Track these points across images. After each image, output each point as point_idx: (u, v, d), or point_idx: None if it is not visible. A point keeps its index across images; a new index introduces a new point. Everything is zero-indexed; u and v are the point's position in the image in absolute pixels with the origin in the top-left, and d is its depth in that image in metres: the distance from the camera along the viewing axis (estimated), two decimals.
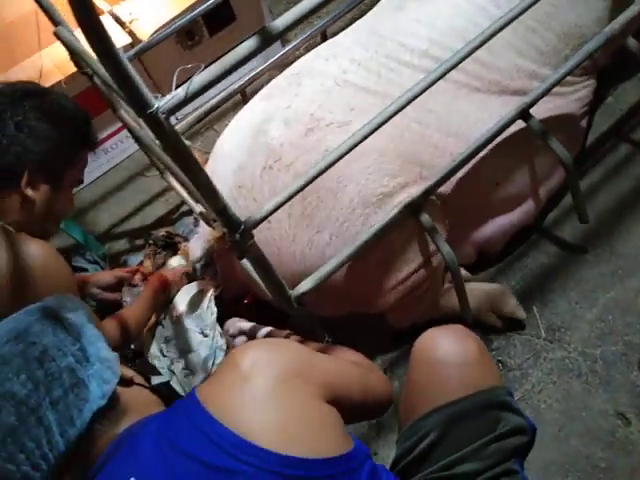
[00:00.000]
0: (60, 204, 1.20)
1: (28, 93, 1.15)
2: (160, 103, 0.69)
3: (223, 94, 1.57)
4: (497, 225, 1.39)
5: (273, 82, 1.36)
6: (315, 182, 1.18)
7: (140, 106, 0.68)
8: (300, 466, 0.66)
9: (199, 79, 0.72)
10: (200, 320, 1.38)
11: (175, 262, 1.59)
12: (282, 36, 0.77)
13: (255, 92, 1.86)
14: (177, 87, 0.71)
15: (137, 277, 1.53)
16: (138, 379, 0.80)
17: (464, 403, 0.82)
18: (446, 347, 0.86)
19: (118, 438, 0.71)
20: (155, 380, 1.33)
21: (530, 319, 1.37)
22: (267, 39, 0.74)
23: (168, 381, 1.31)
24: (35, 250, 1.08)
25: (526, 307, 1.37)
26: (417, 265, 1.26)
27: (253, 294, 1.49)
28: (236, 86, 1.60)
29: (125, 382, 0.76)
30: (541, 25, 1.34)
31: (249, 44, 0.74)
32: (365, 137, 1.00)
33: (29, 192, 1.11)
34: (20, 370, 0.68)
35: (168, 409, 0.76)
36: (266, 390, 0.70)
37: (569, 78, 1.40)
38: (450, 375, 0.84)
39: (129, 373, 0.78)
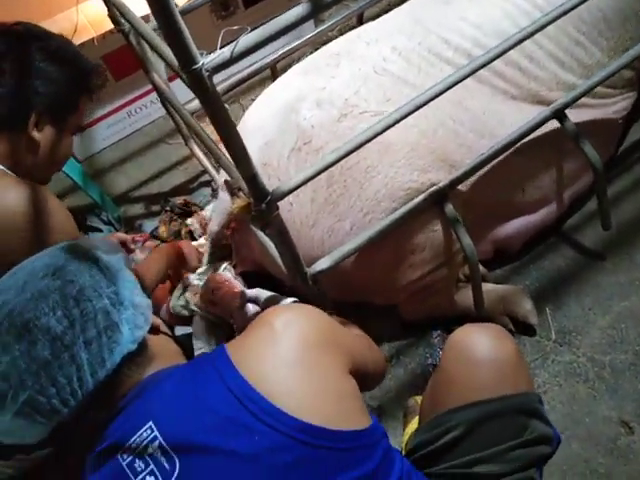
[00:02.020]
0: (62, 149, 1.19)
1: (32, 34, 1.13)
2: (205, 60, 0.68)
3: (253, 67, 1.55)
4: (518, 224, 1.38)
5: (310, 58, 1.34)
6: (343, 171, 1.18)
7: (186, 61, 0.67)
8: (318, 435, 0.67)
9: (245, 40, 0.71)
10: None
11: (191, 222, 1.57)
12: (332, 6, 0.76)
13: (284, 69, 1.86)
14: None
15: (133, 239, 1.49)
16: (164, 328, 0.81)
17: (496, 404, 0.81)
18: (484, 344, 0.85)
19: (143, 382, 0.72)
20: (179, 331, 1.33)
21: (542, 321, 1.36)
22: (317, 7, 0.73)
23: (190, 333, 1.31)
24: (42, 196, 1.07)
25: (539, 308, 1.37)
26: (436, 260, 1.26)
27: (264, 272, 1.48)
28: (267, 60, 1.58)
29: (154, 330, 0.77)
30: (587, 38, 1.32)
31: (298, 10, 0.73)
32: (391, 125, 0.98)
33: (35, 134, 1.10)
34: (56, 306, 0.69)
35: (194, 360, 0.77)
36: (295, 354, 0.70)
37: (609, 90, 1.39)
38: (485, 373, 0.83)
39: (157, 321, 0.79)
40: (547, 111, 1.21)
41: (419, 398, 1.27)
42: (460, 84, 0.99)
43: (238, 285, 1.24)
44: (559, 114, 1.22)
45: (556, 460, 1.19)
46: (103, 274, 0.73)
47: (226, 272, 1.40)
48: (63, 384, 0.67)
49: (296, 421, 0.66)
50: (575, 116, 1.27)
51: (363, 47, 1.28)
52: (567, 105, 1.22)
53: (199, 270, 1.45)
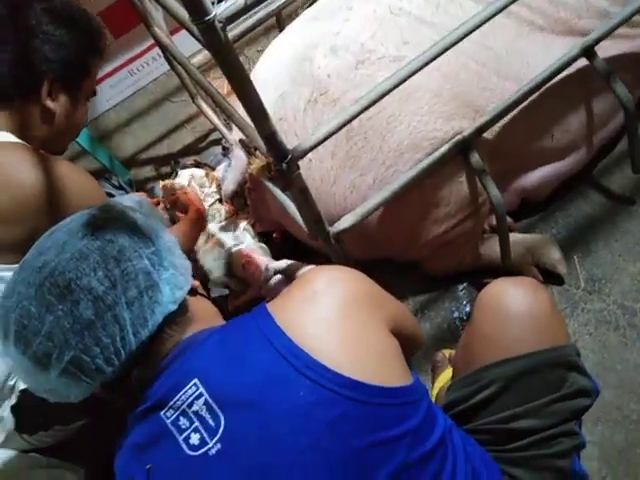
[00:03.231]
0: (78, 116, 1.14)
1: None
2: (219, 10, 0.63)
3: (258, 15, 1.47)
4: (545, 172, 1.32)
5: (321, 2, 1.26)
6: (362, 122, 1.12)
7: (198, 13, 0.61)
8: (362, 390, 0.66)
9: None
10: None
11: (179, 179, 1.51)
12: None
13: (289, 15, 1.77)
14: None
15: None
16: (202, 290, 0.81)
17: (532, 358, 0.80)
18: (518, 299, 0.83)
19: (184, 342, 0.72)
20: (215, 292, 1.33)
21: (570, 269, 1.33)
22: None
23: (227, 295, 1.31)
24: (67, 169, 1.04)
25: (567, 256, 1.33)
26: (461, 212, 1.21)
27: (281, 230, 1.45)
28: (273, 7, 1.49)
29: (193, 291, 0.76)
30: None
31: None
32: (416, 71, 0.92)
33: (49, 103, 1.06)
34: (97, 267, 0.68)
35: (236, 319, 0.76)
36: (337, 310, 0.70)
37: (638, 18, 1.30)
38: (520, 328, 0.82)
39: (195, 283, 0.78)
40: (576, 49, 1.13)
41: (447, 352, 1.26)
42: None
43: (261, 259, 1.23)
44: (589, 51, 1.15)
45: None
46: (142, 234, 0.73)
47: (245, 233, 1.37)
48: (107, 344, 0.67)
49: (340, 376, 0.65)
50: (605, 48, 1.19)
51: None
52: (598, 41, 1.13)
53: (217, 226, 1.42)
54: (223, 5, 0.65)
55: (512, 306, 0.83)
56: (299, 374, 0.66)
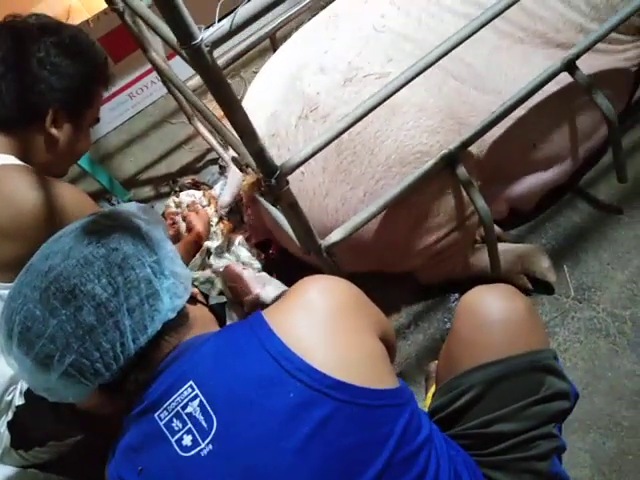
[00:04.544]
0: (81, 143, 1.19)
1: (45, 28, 1.11)
2: (205, 35, 0.67)
3: (252, 38, 1.52)
4: (532, 182, 1.36)
5: (310, 23, 1.31)
6: (352, 137, 1.16)
7: (185, 37, 0.65)
8: (350, 392, 0.68)
9: (244, 11, 0.69)
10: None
11: (186, 197, 1.56)
12: None
13: (284, 38, 1.82)
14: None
15: None
16: (200, 298, 0.83)
17: (509, 363, 0.82)
18: (494, 305, 0.85)
19: (181, 346, 0.74)
20: (213, 300, 1.36)
21: (560, 278, 1.35)
22: None
23: (225, 302, 1.34)
24: (66, 191, 1.08)
25: (556, 266, 1.35)
26: (450, 224, 1.24)
27: (277, 245, 1.48)
28: (265, 30, 1.55)
29: (193, 300, 0.79)
30: None
31: None
32: (399, 89, 0.96)
33: (53, 131, 1.10)
34: (102, 274, 0.71)
35: (232, 324, 0.79)
36: (328, 316, 0.73)
37: (620, 36, 1.34)
38: (497, 333, 0.84)
39: (195, 291, 0.81)
40: (558, 63, 1.18)
41: None
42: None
43: (252, 283, 1.26)
44: (570, 65, 1.18)
45: (579, 416, 1.20)
46: (145, 243, 0.75)
47: (240, 247, 1.40)
48: (107, 349, 0.70)
49: (328, 378, 0.68)
50: (586, 64, 1.23)
51: (361, 5, 1.25)
52: (579, 55, 1.18)
53: (215, 244, 1.45)
54: (210, 30, 0.69)
55: (489, 312, 0.85)
56: (290, 376, 0.68)
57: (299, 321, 0.72)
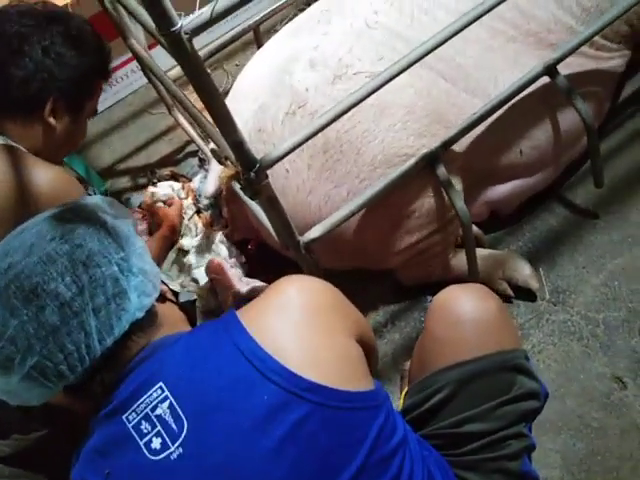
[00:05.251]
0: (77, 134, 1.18)
1: (53, 17, 1.11)
2: (184, 22, 0.65)
3: (235, 31, 1.50)
4: (514, 186, 1.36)
5: (301, 17, 1.30)
6: (339, 135, 1.15)
7: (164, 24, 0.64)
8: (323, 393, 0.67)
9: None
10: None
11: (162, 190, 1.53)
12: None
13: (268, 32, 1.80)
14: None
15: None
16: (169, 295, 0.80)
17: (480, 362, 0.82)
18: (466, 305, 0.85)
19: (151, 346, 0.72)
20: (183, 297, 1.34)
21: None
22: None
23: (195, 300, 1.32)
24: (51, 174, 1.06)
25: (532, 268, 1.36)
26: (431, 225, 1.24)
27: (256, 241, 1.47)
28: (249, 23, 1.53)
29: (162, 298, 0.76)
30: None
31: None
32: (381, 86, 0.95)
33: (52, 121, 1.09)
34: (65, 271, 0.68)
35: (204, 324, 0.77)
36: (304, 317, 0.71)
37: (606, 43, 1.35)
38: (468, 333, 0.84)
39: (164, 288, 0.78)
40: (539, 67, 1.18)
41: None
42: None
43: (234, 279, 1.24)
44: (551, 69, 1.19)
45: (551, 417, 1.21)
46: (112, 239, 0.72)
47: (221, 245, 1.39)
48: (71, 350, 0.67)
49: (303, 380, 0.67)
50: (569, 66, 1.24)
51: (354, 0, 1.23)
52: (560, 59, 1.19)
53: (194, 242, 1.44)
54: (190, 17, 0.68)
55: (460, 312, 0.85)
56: (264, 378, 0.66)
57: (274, 321, 0.71)
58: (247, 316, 0.72)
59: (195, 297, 1.34)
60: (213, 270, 1.28)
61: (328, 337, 0.72)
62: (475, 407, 0.80)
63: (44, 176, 1.04)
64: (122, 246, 0.72)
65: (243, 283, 1.26)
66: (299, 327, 0.71)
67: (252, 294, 1.19)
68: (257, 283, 1.27)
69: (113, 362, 0.70)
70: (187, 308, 1.28)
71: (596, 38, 1.29)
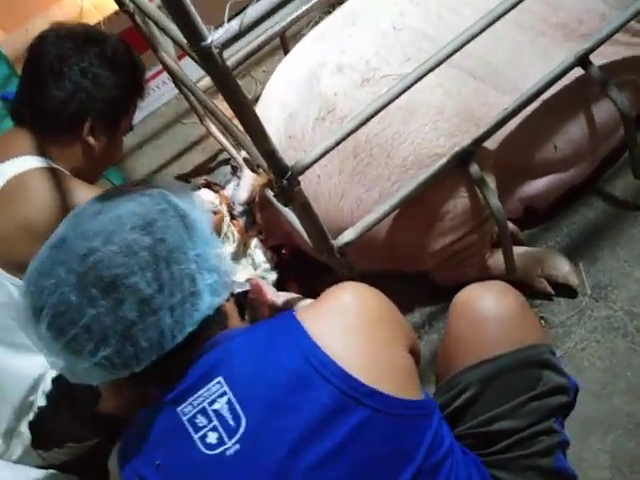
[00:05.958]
0: (115, 151, 1.23)
1: (90, 38, 1.15)
2: (214, 36, 0.66)
3: (262, 38, 1.51)
4: (548, 181, 1.33)
5: (327, 20, 1.30)
6: (369, 139, 1.15)
7: (194, 39, 0.65)
8: (383, 400, 0.68)
9: (254, 11, 0.68)
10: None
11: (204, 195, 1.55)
12: None
13: (294, 37, 1.82)
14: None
15: None
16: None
17: (504, 360, 0.81)
18: (487, 302, 0.85)
19: (213, 340, 0.72)
20: (237, 288, 1.35)
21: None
22: None
23: (247, 291, 1.32)
24: (91, 196, 1.09)
25: (572, 264, 1.33)
26: (466, 225, 1.23)
27: (290, 246, 1.48)
28: (275, 30, 1.54)
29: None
30: None
31: None
32: (414, 83, 0.95)
33: (90, 140, 1.13)
34: (147, 267, 0.66)
35: (266, 322, 0.78)
36: (364, 324, 0.73)
37: None
38: (491, 330, 0.83)
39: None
40: (570, 58, 1.16)
41: None
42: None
43: (270, 293, 1.25)
44: (584, 60, 1.16)
45: (598, 416, 1.18)
46: (190, 234, 0.70)
47: (257, 250, 1.40)
48: (144, 347, 0.67)
49: (363, 385, 0.67)
50: (603, 55, 1.21)
51: (379, 1, 1.23)
52: (592, 49, 1.16)
53: (231, 249, 1.46)
54: (220, 31, 0.69)
55: (481, 310, 0.85)
56: (325, 380, 0.67)
57: (334, 325, 0.72)
58: (308, 318, 0.72)
59: (248, 288, 1.35)
60: (253, 291, 1.31)
61: (385, 345, 0.74)
62: (502, 405, 0.80)
63: (84, 198, 1.07)
64: (198, 242, 0.71)
65: (278, 295, 1.28)
66: (358, 332, 0.72)
67: (287, 306, 1.22)
68: (291, 295, 1.29)
69: (177, 355, 0.70)
70: (239, 299, 1.28)
71: (631, 23, 1.25)
